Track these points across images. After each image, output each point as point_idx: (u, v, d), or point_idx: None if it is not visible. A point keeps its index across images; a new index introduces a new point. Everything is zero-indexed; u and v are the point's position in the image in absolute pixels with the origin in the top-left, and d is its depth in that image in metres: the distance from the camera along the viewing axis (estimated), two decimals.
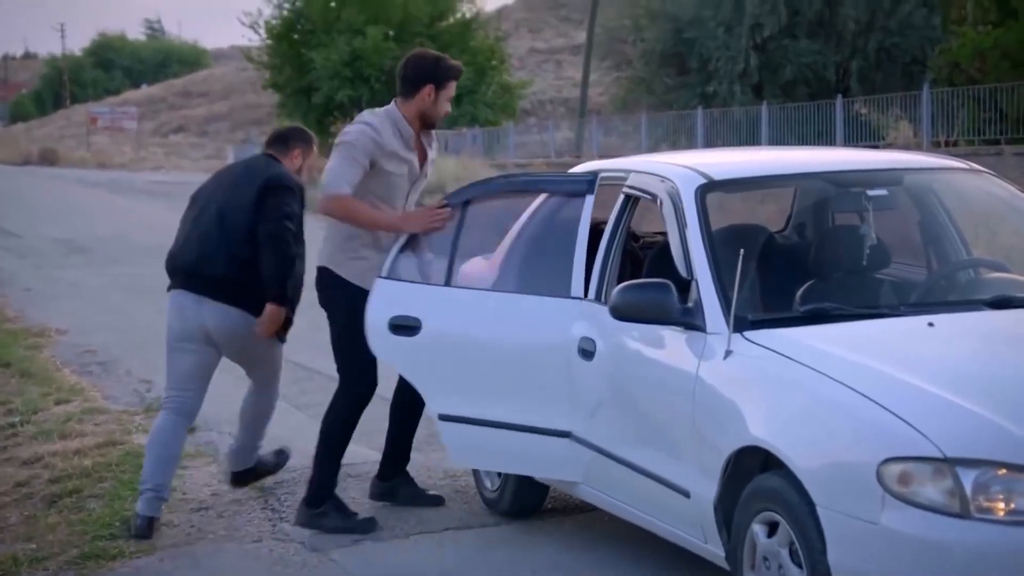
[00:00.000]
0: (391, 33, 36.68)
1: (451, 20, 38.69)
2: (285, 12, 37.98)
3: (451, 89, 5.39)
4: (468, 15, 38.91)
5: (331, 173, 5.19)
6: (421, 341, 5.11)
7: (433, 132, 5.47)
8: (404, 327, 5.14)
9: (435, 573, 4.87)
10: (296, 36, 37.81)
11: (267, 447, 6.81)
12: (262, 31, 37.95)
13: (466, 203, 5.33)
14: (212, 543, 5.27)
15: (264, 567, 4.99)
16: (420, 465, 6.31)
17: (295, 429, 7.07)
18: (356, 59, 35.77)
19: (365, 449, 6.63)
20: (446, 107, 5.37)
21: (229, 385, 8.38)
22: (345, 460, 6.26)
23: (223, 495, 5.94)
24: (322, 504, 5.33)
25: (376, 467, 5.96)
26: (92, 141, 59.62)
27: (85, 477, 6.18)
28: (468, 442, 5.04)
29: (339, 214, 5.25)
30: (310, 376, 8.47)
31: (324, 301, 5.43)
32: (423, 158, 5.43)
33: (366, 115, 5.35)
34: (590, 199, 5.01)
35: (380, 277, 5.25)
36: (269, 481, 6.09)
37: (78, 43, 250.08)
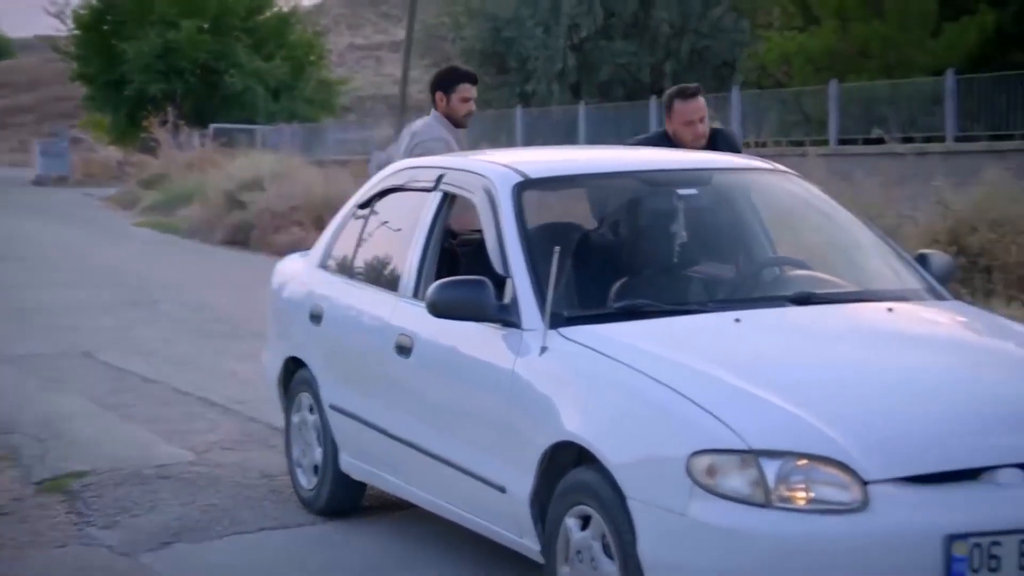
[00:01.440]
0: (206, 26, 35.95)
1: (268, 14, 38.15)
2: (94, 1, 36.83)
3: (463, 91, 6.11)
4: (285, 9, 38.42)
5: None
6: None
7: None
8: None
9: (248, 575, 4.79)
10: (106, 27, 36.72)
11: (77, 450, 6.62)
12: (69, 20, 36.74)
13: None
14: (13, 550, 5.07)
15: (68, 573, 4.83)
16: (235, 464, 6.21)
17: (104, 430, 6.88)
18: (169, 51, 34.96)
19: (177, 449, 6.49)
20: (463, 107, 6.12)
21: (32, 388, 8.11)
22: (159, 461, 6.13)
23: (26, 499, 5.73)
24: None
25: (188, 467, 5.91)
26: None
27: None
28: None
29: None
30: (120, 376, 8.24)
31: None
32: None
33: (438, 130, 6.08)
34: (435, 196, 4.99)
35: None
36: (75, 484, 5.90)
37: None
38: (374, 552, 4.97)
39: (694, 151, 5.73)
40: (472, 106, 6.19)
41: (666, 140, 6.04)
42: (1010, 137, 16.31)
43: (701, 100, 5.98)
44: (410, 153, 5.99)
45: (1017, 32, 20.36)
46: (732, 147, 6.12)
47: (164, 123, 31.14)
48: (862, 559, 3.33)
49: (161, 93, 34.74)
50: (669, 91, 6.11)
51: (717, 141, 6.07)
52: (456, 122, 6.18)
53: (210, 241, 18.98)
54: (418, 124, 6.26)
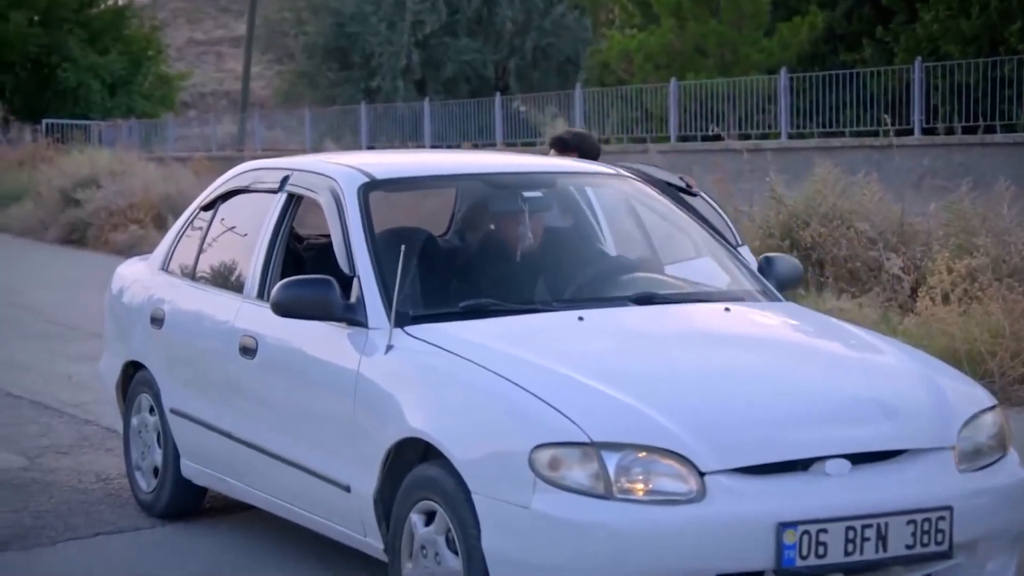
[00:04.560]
0: (36, 18, 34.85)
1: (102, 7, 37.20)
2: None
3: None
4: (121, 2, 37.53)
5: None
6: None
7: None
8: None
9: None
10: None
11: None
12: None
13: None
14: None
15: None
16: (69, 468, 6.06)
17: None
18: None
19: (8, 455, 6.32)
20: None
21: None
22: None
23: None
24: None
25: (20, 473, 5.79)
26: None
27: None
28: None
29: None
30: None
31: None
32: None
33: None
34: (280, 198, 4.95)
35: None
36: None
37: None
38: (216, 554, 4.91)
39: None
40: None
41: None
42: (840, 134, 16.88)
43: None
44: None
45: (846, 32, 21.09)
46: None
47: None
48: (699, 548, 3.43)
49: None
50: None
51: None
52: None
53: (44, 240, 18.50)
54: None
